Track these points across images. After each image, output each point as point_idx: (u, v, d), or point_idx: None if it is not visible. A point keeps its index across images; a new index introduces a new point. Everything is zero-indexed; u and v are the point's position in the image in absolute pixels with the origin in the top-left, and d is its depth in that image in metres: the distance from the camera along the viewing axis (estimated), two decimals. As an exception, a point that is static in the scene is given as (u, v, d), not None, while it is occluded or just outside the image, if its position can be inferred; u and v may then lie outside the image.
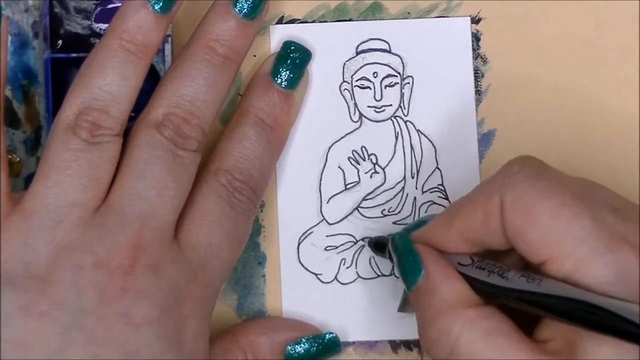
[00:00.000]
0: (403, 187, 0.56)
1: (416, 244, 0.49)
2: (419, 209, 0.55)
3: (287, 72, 0.54)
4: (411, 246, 0.49)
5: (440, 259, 0.48)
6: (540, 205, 0.45)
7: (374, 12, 0.56)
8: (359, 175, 0.56)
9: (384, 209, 0.55)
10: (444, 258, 0.48)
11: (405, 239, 0.50)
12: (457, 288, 0.47)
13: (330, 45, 0.56)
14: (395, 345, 0.55)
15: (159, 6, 0.49)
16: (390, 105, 0.56)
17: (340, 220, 0.55)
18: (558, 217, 0.44)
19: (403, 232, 0.51)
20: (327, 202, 0.55)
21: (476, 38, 0.56)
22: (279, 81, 0.54)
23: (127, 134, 0.49)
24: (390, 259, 0.51)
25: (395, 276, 0.54)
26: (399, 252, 0.50)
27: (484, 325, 0.45)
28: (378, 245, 0.53)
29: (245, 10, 0.51)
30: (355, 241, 0.55)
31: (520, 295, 0.45)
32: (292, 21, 0.56)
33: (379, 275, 0.55)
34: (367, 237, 0.55)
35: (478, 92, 0.56)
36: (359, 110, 0.56)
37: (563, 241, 0.44)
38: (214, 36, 0.51)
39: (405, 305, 0.52)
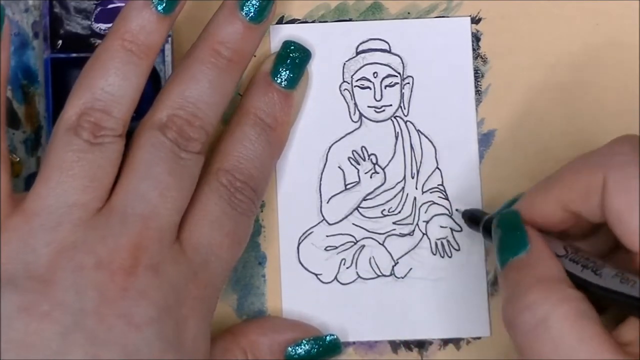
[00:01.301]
0: (403, 187, 0.56)
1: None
2: (419, 209, 0.55)
3: (287, 72, 0.54)
4: (520, 222, 0.49)
5: (544, 238, 0.48)
6: None
7: (374, 12, 0.56)
8: (359, 175, 0.56)
9: (384, 209, 0.55)
10: (545, 239, 0.48)
11: (515, 215, 0.49)
12: (556, 266, 0.47)
13: (330, 45, 0.56)
14: (395, 345, 0.55)
15: (161, 7, 0.49)
16: (390, 105, 0.56)
17: (340, 221, 0.55)
18: None
19: (511, 209, 0.51)
20: (327, 202, 0.55)
21: (476, 38, 0.56)
22: (278, 81, 0.54)
23: (130, 135, 0.49)
24: (485, 233, 0.51)
25: (395, 276, 0.55)
26: (505, 226, 0.49)
27: (576, 306, 0.45)
28: (472, 218, 0.53)
29: (252, 14, 0.51)
30: (355, 241, 0.55)
31: (612, 296, 0.45)
32: (292, 21, 0.56)
33: (379, 275, 0.55)
34: (461, 209, 0.55)
35: (478, 92, 0.56)
36: (359, 110, 0.56)
37: None
38: (219, 39, 0.51)
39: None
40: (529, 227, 0.48)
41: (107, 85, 0.48)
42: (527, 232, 0.48)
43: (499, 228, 0.49)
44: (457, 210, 0.55)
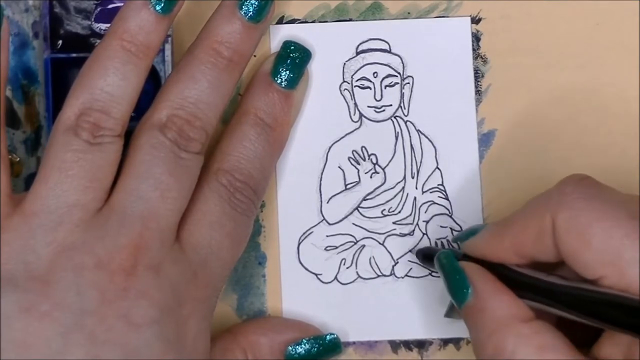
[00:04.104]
0: (403, 187, 0.56)
1: (462, 262, 0.49)
2: (419, 209, 0.55)
3: (287, 72, 0.54)
4: (456, 264, 0.49)
5: (487, 275, 0.48)
6: (594, 227, 0.44)
7: (374, 12, 0.56)
8: (359, 175, 0.56)
9: (384, 209, 0.55)
10: (491, 274, 0.48)
11: (450, 258, 0.50)
12: (507, 303, 0.47)
13: (330, 45, 0.56)
14: (395, 345, 0.55)
15: (160, 7, 0.49)
16: (390, 105, 0.56)
17: (340, 220, 0.55)
18: (611, 238, 0.44)
19: (449, 248, 0.51)
20: (327, 202, 0.55)
21: (476, 38, 0.56)
22: (278, 81, 0.54)
23: (129, 135, 0.49)
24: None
25: (395, 276, 0.55)
26: (445, 270, 0.49)
27: (538, 341, 0.45)
28: (427, 256, 0.53)
29: (251, 13, 0.51)
30: (355, 241, 0.55)
31: (579, 292, 0.45)
32: (292, 21, 0.56)
33: (379, 275, 0.55)
34: (415, 248, 0.55)
35: (478, 92, 0.56)
36: (359, 110, 0.56)
37: (616, 262, 0.44)
38: (219, 38, 0.51)
39: (452, 312, 0.52)
40: (470, 266, 0.49)
41: (106, 85, 0.48)
42: (467, 273, 0.48)
43: (440, 271, 0.50)
44: (410, 251, 0.55)
